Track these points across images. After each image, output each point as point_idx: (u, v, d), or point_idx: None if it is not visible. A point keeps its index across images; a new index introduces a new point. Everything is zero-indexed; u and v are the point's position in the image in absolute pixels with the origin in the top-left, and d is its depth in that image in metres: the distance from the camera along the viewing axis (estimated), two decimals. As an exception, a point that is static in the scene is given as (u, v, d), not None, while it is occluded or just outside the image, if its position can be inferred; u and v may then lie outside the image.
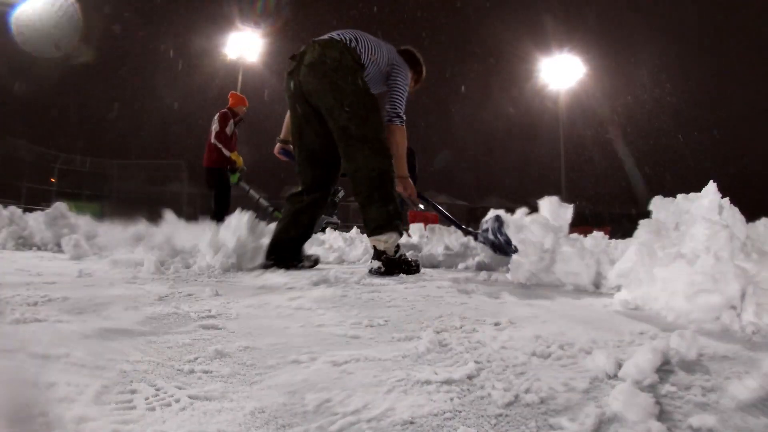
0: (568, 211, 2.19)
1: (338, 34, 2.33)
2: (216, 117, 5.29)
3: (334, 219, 7.67)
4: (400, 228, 2.28)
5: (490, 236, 2.61)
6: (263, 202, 6.23)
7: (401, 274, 2.18)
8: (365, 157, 2.22)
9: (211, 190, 5.31)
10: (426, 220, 5.61)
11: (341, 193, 8.05)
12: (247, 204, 3.38)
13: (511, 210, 2.69)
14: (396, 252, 2.27)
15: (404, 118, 2.42)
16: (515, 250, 2.18)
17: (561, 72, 19.41)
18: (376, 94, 2.40)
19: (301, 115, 2.36)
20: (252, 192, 5.90)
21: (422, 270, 2.41)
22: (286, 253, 2.39)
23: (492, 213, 2.68)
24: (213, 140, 5.20)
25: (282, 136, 2.82)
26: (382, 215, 2.22)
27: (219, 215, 4.45)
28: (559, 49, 19.67)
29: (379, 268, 2.22)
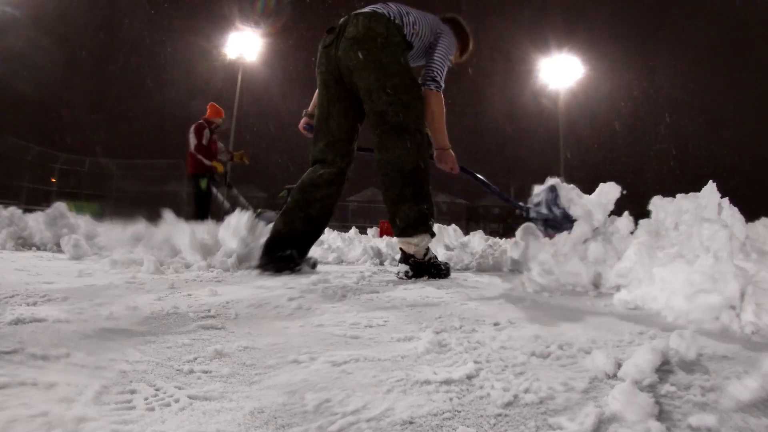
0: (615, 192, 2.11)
1: (381, 7, 2.12)
2: (192, 129, 5.66)
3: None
4: (432, 230, 2.10)
5: (544, 210, 2.36)
6: (242, 201, 6.43)
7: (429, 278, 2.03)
8: (400, 148, 2.02)
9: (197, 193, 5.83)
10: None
11: (284, 193, 8.00)
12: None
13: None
14: (425, 255, 2.09)
15: (442, 84, 2.19)
16: (572, 225, 1.99)
17: (561, 72, 19.38)
18: (415, 67, 2.21)
19: (334, 96, 2.15)
20: (219, 195, 6.08)
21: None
22: (284, 252, 2.08)
23: (548, 182, 2.40)
24: (193, 151, 5.69)
25: (309, 109, 2.54)
26: (413, 215, 2.03)
27: (199, 216, 4.84)
28: (559, 49, 19.64)
29: (407, 272, 2.04)
